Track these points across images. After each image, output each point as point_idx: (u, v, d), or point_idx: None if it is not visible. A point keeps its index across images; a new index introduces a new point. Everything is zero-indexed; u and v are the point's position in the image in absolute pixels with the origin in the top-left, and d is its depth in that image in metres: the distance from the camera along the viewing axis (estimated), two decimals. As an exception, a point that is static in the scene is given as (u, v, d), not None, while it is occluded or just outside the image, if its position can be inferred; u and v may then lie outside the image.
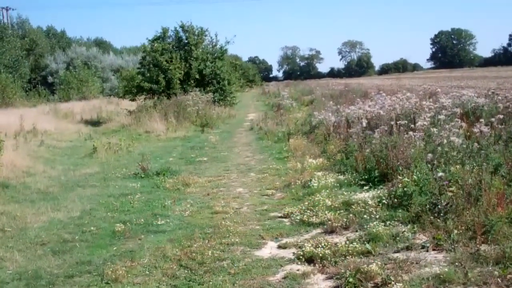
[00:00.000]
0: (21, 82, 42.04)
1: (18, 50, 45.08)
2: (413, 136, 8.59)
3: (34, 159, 13.04)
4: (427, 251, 5.25)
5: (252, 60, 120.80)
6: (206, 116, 22.17)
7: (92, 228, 7.18)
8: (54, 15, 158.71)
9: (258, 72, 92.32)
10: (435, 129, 8.72)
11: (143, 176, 10.79)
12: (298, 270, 5.19)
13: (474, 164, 7.00)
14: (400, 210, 6.44)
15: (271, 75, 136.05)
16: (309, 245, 5.66)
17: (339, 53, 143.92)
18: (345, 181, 8.51)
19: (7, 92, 34.72)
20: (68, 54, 53.63)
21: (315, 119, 15.22)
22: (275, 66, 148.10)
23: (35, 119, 20.39)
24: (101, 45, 66.68)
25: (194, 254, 5.78)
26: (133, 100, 27.07)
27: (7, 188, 9.83)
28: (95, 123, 24.76)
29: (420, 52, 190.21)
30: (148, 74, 26.07)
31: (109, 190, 9.70)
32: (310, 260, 5.37)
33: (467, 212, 5.71)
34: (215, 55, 28.38)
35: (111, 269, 5.40)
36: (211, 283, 5.03)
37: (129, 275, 5.31)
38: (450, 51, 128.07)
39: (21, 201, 8.95)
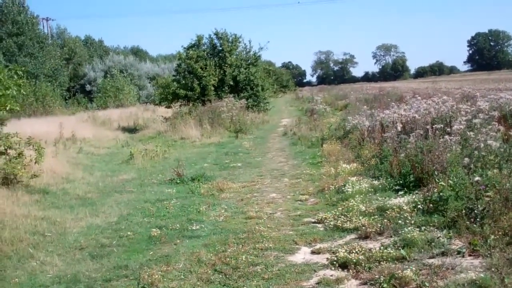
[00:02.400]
0: (60, 91, 43.08)
1: (57, 59, 46.24)
2: (449, 140, 8.45)
3: (73, 166, 13.33)
4: (463, 256, 5.16)
5: (286, 66, 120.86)
6: (240, 122, 22.27)
7: (128, 233, 7.31)
8: (92, 25, 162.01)
9: (292, 77, 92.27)
10: (471, 133, 8.57)
11: (178, 181, 10.92)
12: (331, 275, 5.18)
13: (512, 168, 6.86)
14: (435, 215, 6.35)
15: (304, 80, 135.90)
16: (343, 250, 5.63)
17: (374, 56, 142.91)
18: (380, 186, 8.43)
19: (47, 100, 35.59)
20: (105, 63, 54.73)
21: (349, 124, 15.12)
22: (308, 71, 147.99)
23: (74, 126, 20.84)
24: (138, 53, 67.86)
25: (228, 259, 5.82)
26: (168, 107, 27.42)
27: (47, 194, 10.09)
28: (131, 130, 25.15)
29: (457, 55, 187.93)
30: (183, 81, 26.34)
31: (145, 196, 9.85)
32: (344, 265, 5.35)
33: (504, 217, 5.59)
34: (249, 61, 28.52)
35: (147, 273, 5.50)
36: (245, 287, 5.07)
37: (164, 280, 5.39)
38: (487, 53, 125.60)
39: (60, 207, 9.17)
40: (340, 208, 7.43)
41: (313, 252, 5.98)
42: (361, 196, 7.88)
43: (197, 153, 15.93)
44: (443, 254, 5.29)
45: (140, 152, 14.87)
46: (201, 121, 21.75)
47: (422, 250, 5.44)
